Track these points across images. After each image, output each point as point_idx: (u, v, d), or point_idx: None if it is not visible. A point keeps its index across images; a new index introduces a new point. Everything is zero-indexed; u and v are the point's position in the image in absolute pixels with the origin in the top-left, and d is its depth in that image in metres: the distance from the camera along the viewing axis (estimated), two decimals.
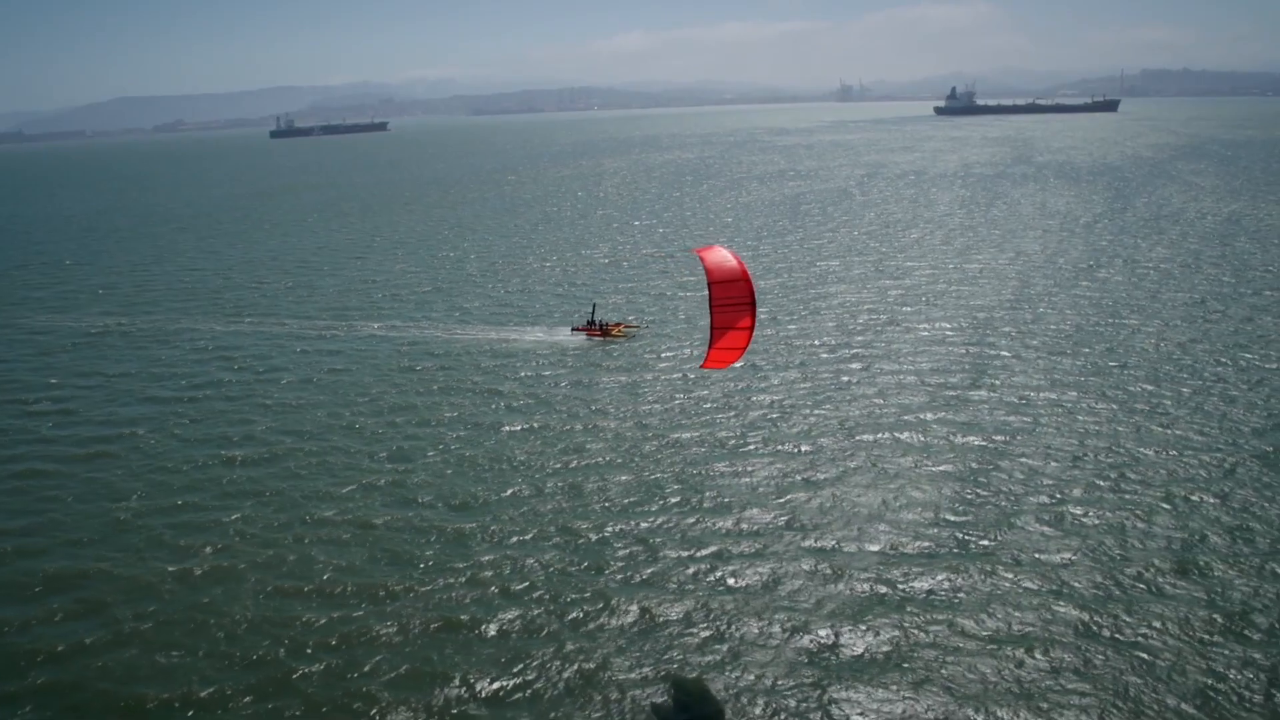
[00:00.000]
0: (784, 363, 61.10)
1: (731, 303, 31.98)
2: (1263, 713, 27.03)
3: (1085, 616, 31.57)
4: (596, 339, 68.09)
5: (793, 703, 27.89)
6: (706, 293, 32.61)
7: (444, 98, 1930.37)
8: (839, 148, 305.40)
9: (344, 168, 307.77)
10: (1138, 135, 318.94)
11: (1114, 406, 51.16)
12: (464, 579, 35.33)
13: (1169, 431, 47.54)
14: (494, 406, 54.94)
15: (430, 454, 47.84)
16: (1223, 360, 58.71)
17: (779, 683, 28.79)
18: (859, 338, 66.86)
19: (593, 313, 71.06)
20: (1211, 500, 39.90)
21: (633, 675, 29.43)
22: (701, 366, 35.27)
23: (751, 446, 47.23)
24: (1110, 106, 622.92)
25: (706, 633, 31.41)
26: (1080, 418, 49.69)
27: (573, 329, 69.96)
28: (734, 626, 31.67)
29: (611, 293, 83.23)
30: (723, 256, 32.67)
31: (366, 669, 30.33)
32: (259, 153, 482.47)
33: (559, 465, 45.98)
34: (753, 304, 31.90)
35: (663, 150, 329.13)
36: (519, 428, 51.22)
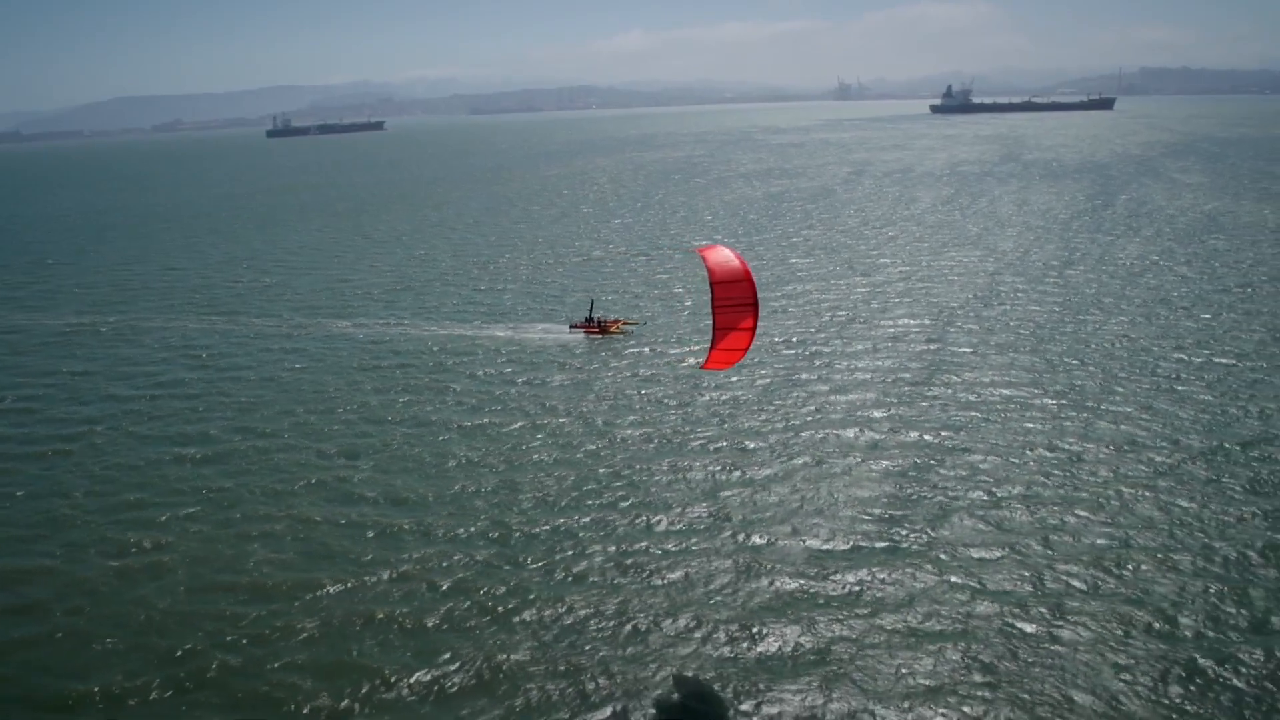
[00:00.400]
0: (748, 359, 61.23)
1: (733, 303, 31.71)
2: (1176, 711, 27.24)
3: (1010, 614, 31.74)
4: (595, 336, 67.98)
5: (711, 699, 28.12)
6: (709, 292, 32.27)
7: (443, 97, 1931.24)
8: (830, 146, 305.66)
9: (336, 167, 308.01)
10: (1131, 133, 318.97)
11: (1065, 403, 51.38)
12: (394, 575, 35.57)
13: (1117, 428, 47.75)
14: (448, 404, 55.21)
15: (379, 452, 48.09)
16: (1180, 358, 58.90)
17: (699, 675, 29.03)
18: (821, 335, 67.14)
19: (590, 309, 70.86)
20: (1148, 498, 40.08)
21: (546, 669, 29.67)
22: (702, 367, 35.14)
23: (699, 444, 47.51)
24: (1106, 105, 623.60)
25: (628, 628, 31.64)
26: (1031, 414, 49.91)
27: (570, 326, 69.90)
28: (659, 622, 31.91)
29: (578, 291, 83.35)
30: (725, 256, 32.36)
31: (288, 662, 30.59)
32: (254, 153, 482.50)
33: (504, 463, 46.18)
34: (755, 304, 31.64)
35: (655, 149, 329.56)
36: (469, 425, 51.50)
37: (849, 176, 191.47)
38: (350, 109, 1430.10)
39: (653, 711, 27.83)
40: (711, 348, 32.37)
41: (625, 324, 70.25)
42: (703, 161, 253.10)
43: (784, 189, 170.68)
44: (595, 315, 70.33)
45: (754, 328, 31.75)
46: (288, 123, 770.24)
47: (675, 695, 28.32)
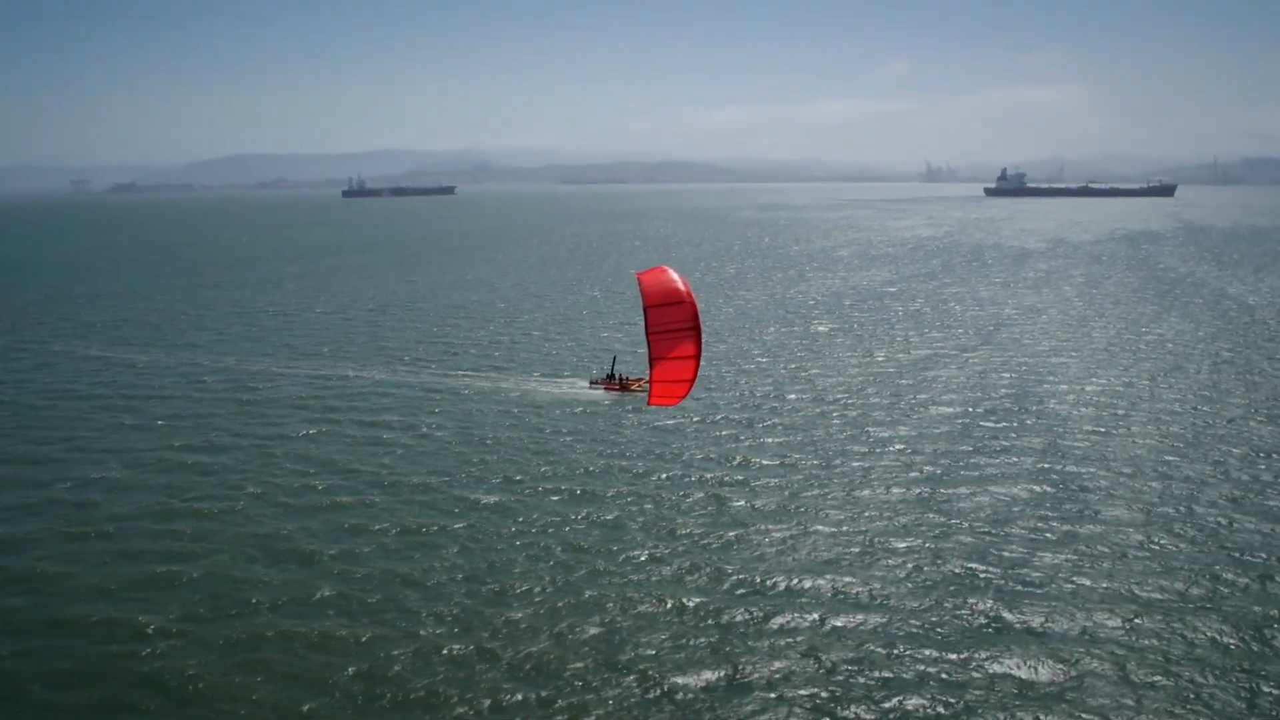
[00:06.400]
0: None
1: (670, 328, 29.00)
2: None
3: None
4: (615, 393, 65.47)
5: None
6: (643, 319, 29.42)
7: (538, 166, 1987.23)
8: (810, 223, 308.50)
9: (353, 222, 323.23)
10: (1143, 220, 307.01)
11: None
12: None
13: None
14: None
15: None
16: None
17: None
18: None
19: (612, 365, 68.83)
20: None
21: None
22: (648, 404, 32.03)
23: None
24: (1167, 191, 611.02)
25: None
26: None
27: (591, 382, 67.48)
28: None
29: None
30: (663, 277, 30.00)
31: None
32: (316, 210, 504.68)
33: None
34: (696, 329, 28.90)
35: (651, 219, 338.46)
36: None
37: (756, 252, 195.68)
38: (449, 174, 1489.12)
39: None
40: (651, 381, 29.45)
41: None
42: (670, 235, 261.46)
43: (651, 259, 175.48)
44: (617, 372, 67.91)
45: (697, 355, 29.14)
46: (362, 184, 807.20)
47: None
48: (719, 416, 60.65)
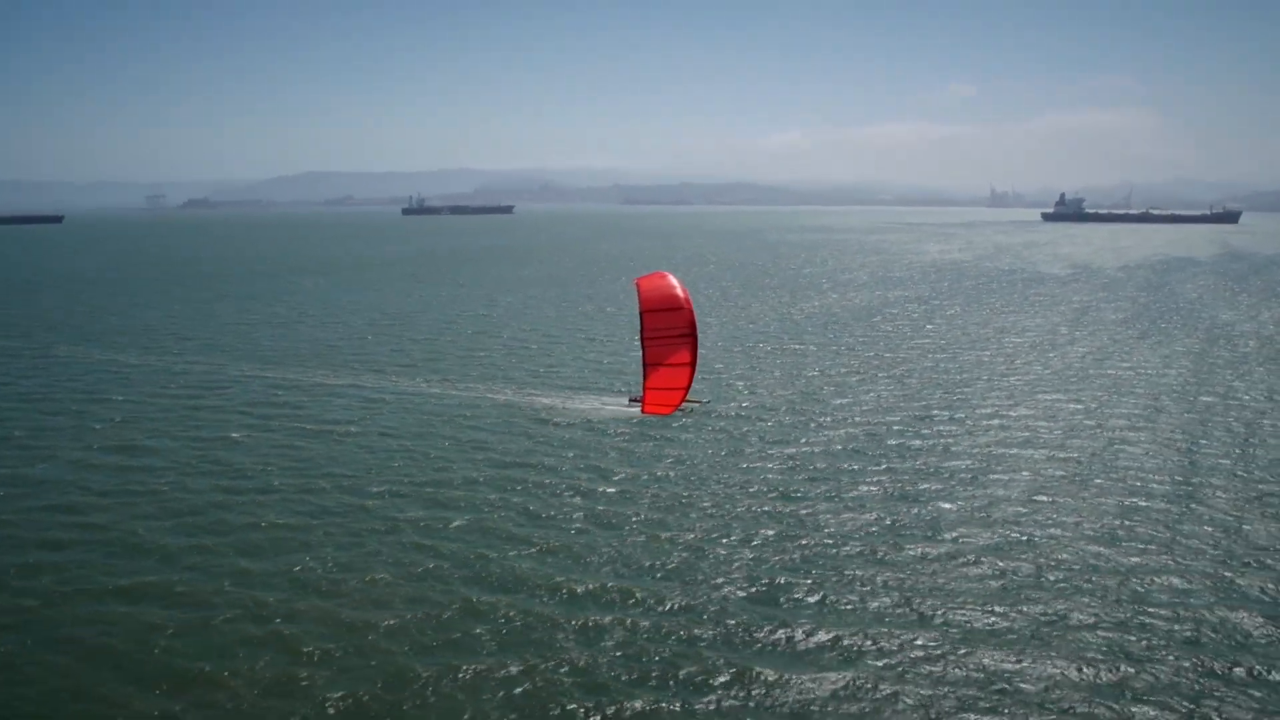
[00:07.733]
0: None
1: (666, 334, 28.57)
2: None
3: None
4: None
5: None
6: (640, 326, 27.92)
7: (603, 186, 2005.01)
8: (840, 245, 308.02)
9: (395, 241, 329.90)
10: (1188, 246, 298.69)
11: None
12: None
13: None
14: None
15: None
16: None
17: None
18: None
19: None
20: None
21: None
22: (642, 412, 29.66)
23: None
24: (1231, 218, 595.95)
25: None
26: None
27: (630, 399, 64.63)
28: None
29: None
30: (661, 283, 29.57)
31: None
32: (371, 226, 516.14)
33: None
34: (693, 336, 28.05)
35: (686, 237, 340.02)
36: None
37: (740, 269, 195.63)
38: (513, 193, 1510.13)
39: None
40: (644, 388, 28.60)
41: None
42: (696, 252, 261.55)
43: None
44: None
45: (692, 363, 28.10)
46: (422, 203, 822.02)
47: None
48: (617, 430, 61.48)
